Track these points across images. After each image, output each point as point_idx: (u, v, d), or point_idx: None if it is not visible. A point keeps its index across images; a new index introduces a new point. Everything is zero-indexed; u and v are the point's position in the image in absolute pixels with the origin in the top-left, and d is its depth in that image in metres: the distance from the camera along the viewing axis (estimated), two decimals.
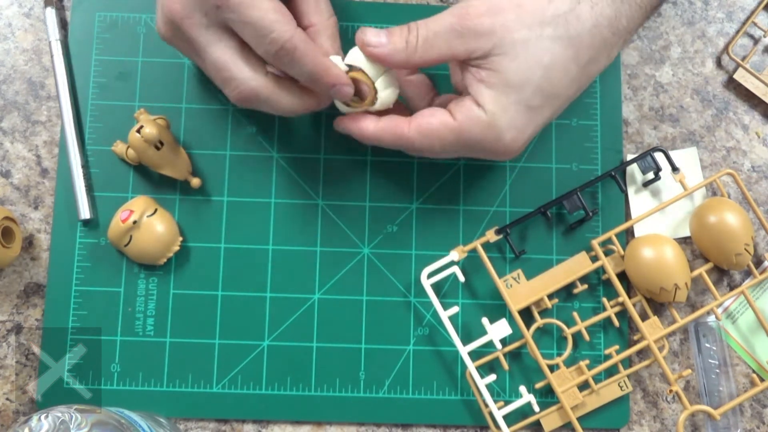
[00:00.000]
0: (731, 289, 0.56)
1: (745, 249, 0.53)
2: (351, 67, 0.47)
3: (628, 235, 0.56)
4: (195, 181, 0.53)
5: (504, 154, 0.47)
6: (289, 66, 0.45)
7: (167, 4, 0.45)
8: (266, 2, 0.44)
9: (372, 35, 0.46)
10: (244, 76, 0.46)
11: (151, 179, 0.55)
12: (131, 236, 0.52)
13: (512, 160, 0.55)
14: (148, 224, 0.52)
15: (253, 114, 0.55)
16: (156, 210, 0.53)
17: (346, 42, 0.57)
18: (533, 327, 0.53)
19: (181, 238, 0.54)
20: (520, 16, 0.44)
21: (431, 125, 0.46)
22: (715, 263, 0.54)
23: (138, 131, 0.51)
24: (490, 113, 0.45)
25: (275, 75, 0.47)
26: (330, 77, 0.46)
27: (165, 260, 0.53)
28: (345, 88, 0.46)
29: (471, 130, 0.45)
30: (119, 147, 0.53)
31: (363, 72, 0.47)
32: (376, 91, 0.48)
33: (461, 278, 0.53)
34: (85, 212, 0.54)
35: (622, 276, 0.55)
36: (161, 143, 0.51)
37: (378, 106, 0.48)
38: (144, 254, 0.52)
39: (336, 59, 0.47)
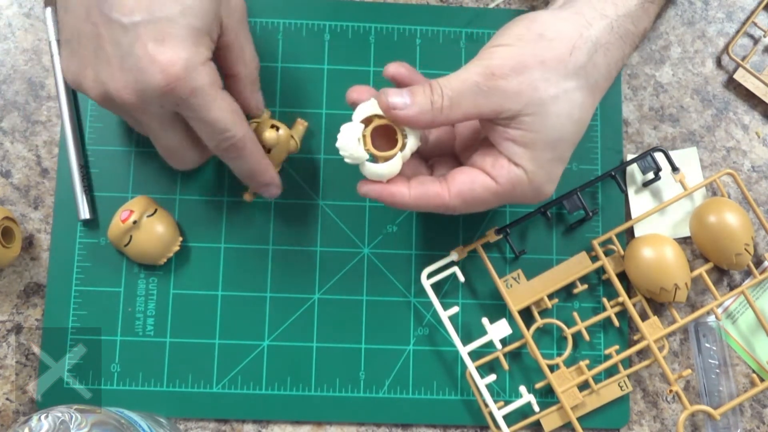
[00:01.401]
0: (731, 289, 0.56)
1: (745, 249, 0.53)
2: (375, 116, 0.46)
3: (628, 235, 0.56)
4: (248, 196, 0.53)
5: (540, 200, 0.48)
6: (233, 161, 0.48)
7: (116, 90, 0.44)
8: (223, 102, 0.45)
9: (395, 96, 0.44)
10: (191, 158, 0.49)
11: (151, 179, 0.55)
12: (131, 236, 0.52)
13: None
14: (148, 224, 0.52)
15: None
16: (156, 210, 0.53)
17: (350, 44, 0.57)
18: (533, 327, 0.53)
19: (181, 238, 0.54)
20: (544, 73, 0.44)
21: (474, 192, 0.45)
22: (715, 263, 0.54)
23: (273, 126, 0.51)
24: (531, 173, 0.45)
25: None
26: (266, 177, 0.50)
27: (165, 260, 0.53)
28: (274, 189, 0.51)
29: (514, 191, 0.46)
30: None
31: (385, 118, 0.45)
32: (405, 136, 0.46)
33: (461, 278, 0.53)
34: (85, 212, 0.54)
35: (622, 276, 0.55)
36: (268, 150, 0.51)
37: (407, 150, 0.46)
38: (144, 254, 0.52)
39: (366, 105, 0.46)
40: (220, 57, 0.49)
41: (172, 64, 0.42)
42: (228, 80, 0.50)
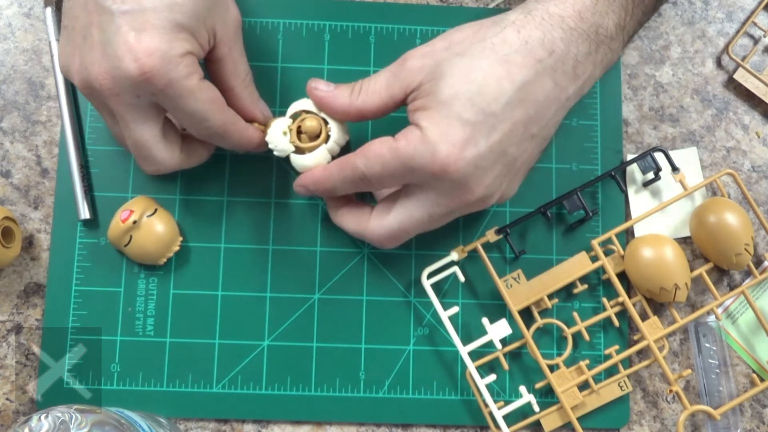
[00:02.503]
0: (731, 289, 0.56)
1: (745, 249, 0.53)
2: (305, 112, 0.49)
3: (628, 235, 0.56)
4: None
5: (441, 172, 0.44)
6: (217, 142, 0.50)
7: (95, 76, 0.44)
8: (201, 93, 0.46)
9: (321, 83, 0.49)
10: (162, 158, 0.48)
11: (151, 179, 0.55)
12: (131, 236, 0.52)
13: None
14: (148, 224, 0.52)
15: None
16: (156, 210, 0.53)
17: (350, 44, 0.57)
18: (533, 327, 0.53)
19: (181, 238, 0.54)
20: (449, 46, 0.46)
21: (373, 146, 0.46)
22: (715, 263, 0.54)
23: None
24: (424, 128, 0.45)
25: (186, 148, 0.50)
26: (251, 147, 0.51)
27: (165, 260, 0.53)
28: (261, 149, 0.51)
29: (408, 146, 0.45)
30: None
31: (313, 113, 0.49)
32: (326, 124, 0.49)
33: (461, 278, 0.53)
34: (84, 212, 0.54)
35: (622, 276, 0.55)
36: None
37: (331, 143, 0.49)
38: (144, 254, 0.52)
39: (299, 104, 0.50)
40: (213, 70, 0.49)
41: (149, 54, 0.43)
42: (224, 94, 0.50)
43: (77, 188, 0.54)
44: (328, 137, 0.49)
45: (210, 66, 0.49)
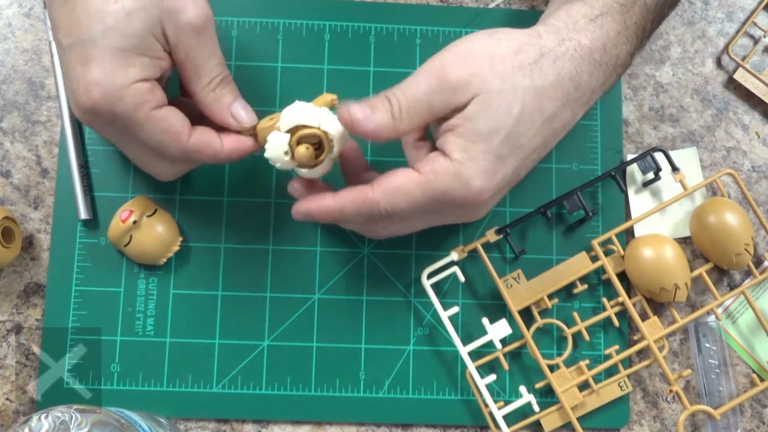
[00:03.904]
0: (731, 289, 0.56)
1: (745, 249, 0.53)
2: (303, 126, 0.46)
3: (628, 235, 0.56)
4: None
5: (473, 204, 0.45)
6: (193, 161, 0.48)
7: (72, 107, 0.45)
8: (152, 124, 0.44)
9: (359, 111, 0.45)
10: (161, 169, 0.49)
11: (151, 179, 0.55)
12: (131, 236, 0.52)
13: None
14: (148, 224, 0.52)
15: None
16: (156, 210, 0.53)
17: (350, 44, 0.57)
18: (533, 327, 0.53)
19: (181, 238, 0.54)
20: (492, 65, 0.44)
21: (396, 182, 0.45)
22: (715, 263, 0.54)
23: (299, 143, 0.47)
24: (457, 162, 0.44)
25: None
26: (233, 158, 0.47)
27: (165, 260, 0.53)
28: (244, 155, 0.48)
29: (437, 180, 0.44)
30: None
31: (309, 126, 0.46)
32: (331, 140, 0.46)
33: (461, 278, 0.53)
34: (84, 212, 0.54)
35: (622, 276, 0.55)
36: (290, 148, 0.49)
37: (335, 152, 0.47)
38: (144, 254, 0.52)
39: (295, 107, 0.46)
40: (179, 74, 0.47)
41: (93, 87, 0.43)
42: (192, 98, 0.48)
43: (77, 188, 0.54)
44: (331, 147, 0.47)
45: (177, 69, 0.47)
